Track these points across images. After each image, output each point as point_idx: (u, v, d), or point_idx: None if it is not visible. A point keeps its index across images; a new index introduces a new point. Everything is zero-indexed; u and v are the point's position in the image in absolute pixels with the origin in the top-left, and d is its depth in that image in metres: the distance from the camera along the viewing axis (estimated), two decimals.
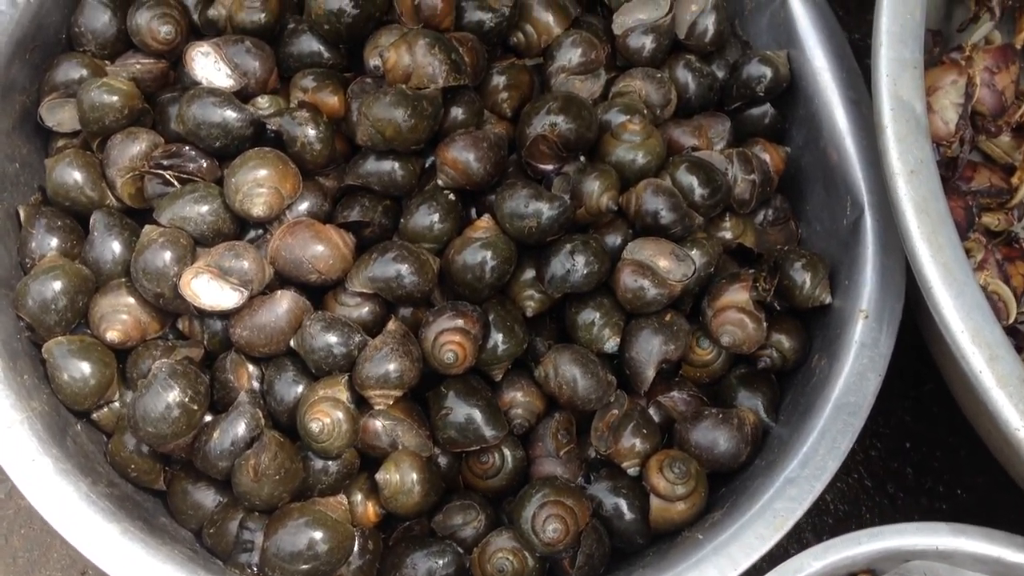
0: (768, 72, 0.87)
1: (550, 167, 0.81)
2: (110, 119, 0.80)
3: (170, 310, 0.77)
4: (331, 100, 0.80)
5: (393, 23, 0.83)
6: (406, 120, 0.76)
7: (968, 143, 0.88)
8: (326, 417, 0.70)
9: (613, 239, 0.80)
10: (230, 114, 0.78)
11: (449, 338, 0.73)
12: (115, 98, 0.79)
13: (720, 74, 0.91)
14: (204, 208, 0.77)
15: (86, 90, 0.79)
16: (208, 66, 0.81)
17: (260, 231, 0.80)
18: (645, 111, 0.84)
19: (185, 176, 0.78)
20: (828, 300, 0.80)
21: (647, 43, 0.87)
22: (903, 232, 0.68)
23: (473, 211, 0.83)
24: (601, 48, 0.87)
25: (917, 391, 0.97)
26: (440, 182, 0.79)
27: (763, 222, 0.88)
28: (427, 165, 0.83)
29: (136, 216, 0.81)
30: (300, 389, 0.74)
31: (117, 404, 0.77)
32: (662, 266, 0.76)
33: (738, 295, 0.77)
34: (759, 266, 0.81)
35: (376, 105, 0.76)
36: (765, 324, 0.77)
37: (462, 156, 0.78)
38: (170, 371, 0.71)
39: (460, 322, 0.74)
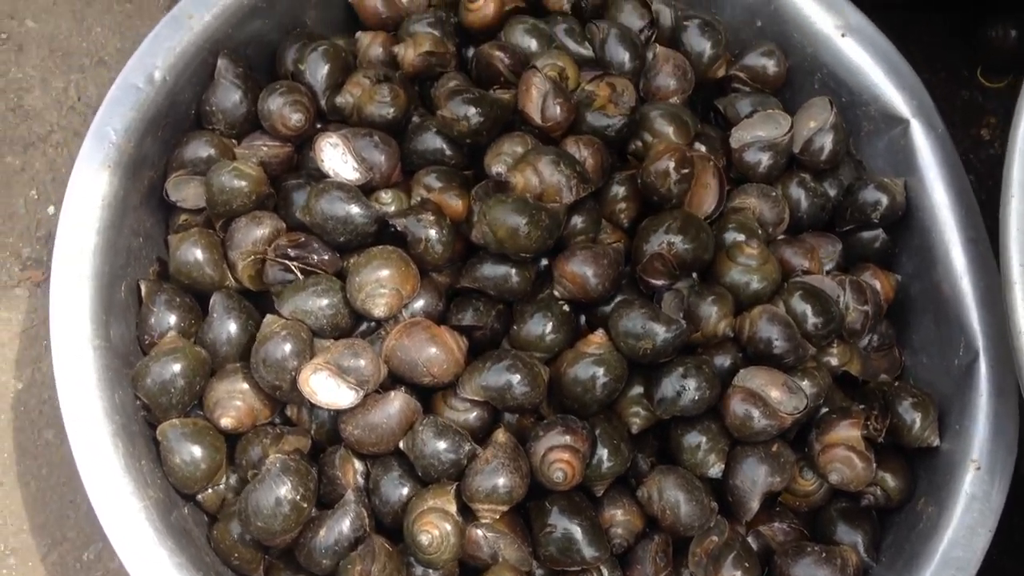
0: (884, 199, 0.87)
1: (662, 283, 0.81)
2: (238, 203, 0.81)
3: (285, 401, 0.78)
4: (455, 203, 0.81)
5: (516, 130, 0.85)
6: (522, 227, 0.76)
7: None
8: (435, 529, 0.71)
9: (721, 360, 0.80)
10: (356, 211, 0.79)
11: (558, 456, 0.73)
12: (244, 183, 0.81)
13: (832, 192, 0.91)
14: (324, 302, 0.78)
15: (216, 173, 0.81)
16: (336, 157, 0.82)
17: (373, 324, 0.81)
18: (760, 231, 0.84)
19: (308, 267, 0.79)
20: (936, 443, 0.79)
21: (763, 160, 0.88)
22: None
23: (583, 318, 0.83)
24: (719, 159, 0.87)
25: (1005, 523, 0.95)
26: (556, 293, 0.80)
27: (867, 347, 0.88)
28: (541, 269, 0.83)
29: (252, 298, 0.82)
30: (405, 491, 0.75)
31: (222, 487, 0.78)
32: (774, 397, 0.76)
33: (848, 432, 0.77)
34: (870, 403, 0.80)
35: (497, 208, 0.77)
36: (875, 464, 0.76)
37: (580, 271, 0.78)
38: (283, 466, 0.72)
39: (569, 439, 0.74)
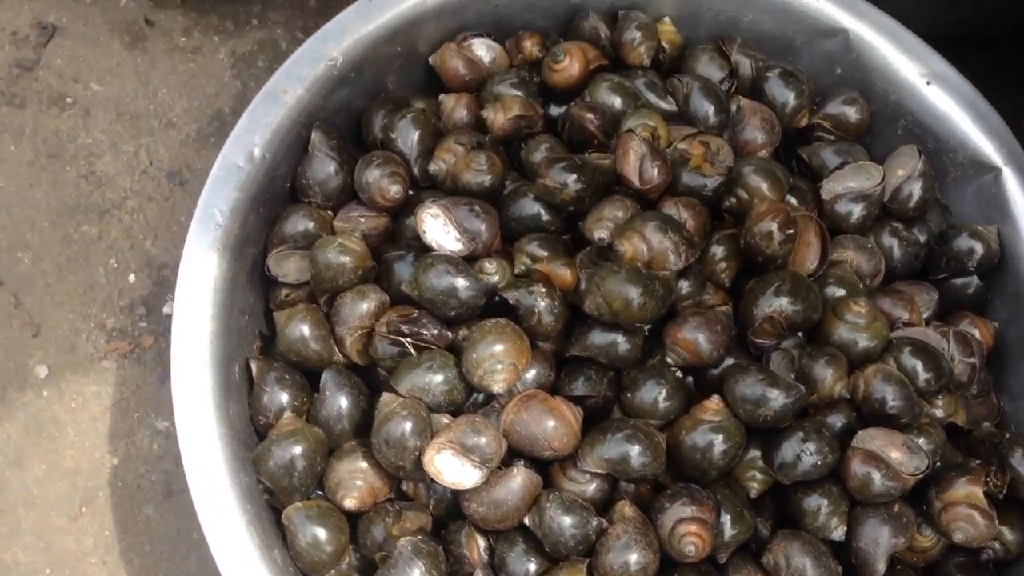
0: (979, 248, 0.88)
1: (769, 343, 0.81)
2: (343, 279, 0.81)
3: (406, 479, 0.78)
4: (563, 272, 0.81)
5: (614, 193, 0.85)
6: (637, 298, 0.76)
7: None
8: None
9: (834, 420, 0.80)
10: (466, 284, 0.79)
11: (688, 528, 0.73)
12: (349, 259, 0.81)
13: (922, 239, 0.91)
14: (439, 378, 0.78)
15: (322, 250, 0.81)
16: (437, 228, 0.82)
17: (483, 396, 0.81)
18: (860, 285, 0.85)
19: (421, 343, 0.79)
20: None
21: (855, 210, 0.88)
22: None
23: (690, 379, 0.83)
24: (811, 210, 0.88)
25: None
26: (669, 359, 0.80)
27: (966, 395, 0.88)
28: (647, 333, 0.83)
29: (358, 372, 0.82)
30: (532, 567, 0.75)
31: (345, 566, 0.78)
32: (894, 458, 0.76)
33: (969, 488, 0.77)
34: (984, 456, 0.81)
35: (611, 279, 0.77)
36: (996, 520, 0.77)
37: (693, 337, 0.79)
38: (415, 549, 0.72)
39: (696, 510, 0.74)
